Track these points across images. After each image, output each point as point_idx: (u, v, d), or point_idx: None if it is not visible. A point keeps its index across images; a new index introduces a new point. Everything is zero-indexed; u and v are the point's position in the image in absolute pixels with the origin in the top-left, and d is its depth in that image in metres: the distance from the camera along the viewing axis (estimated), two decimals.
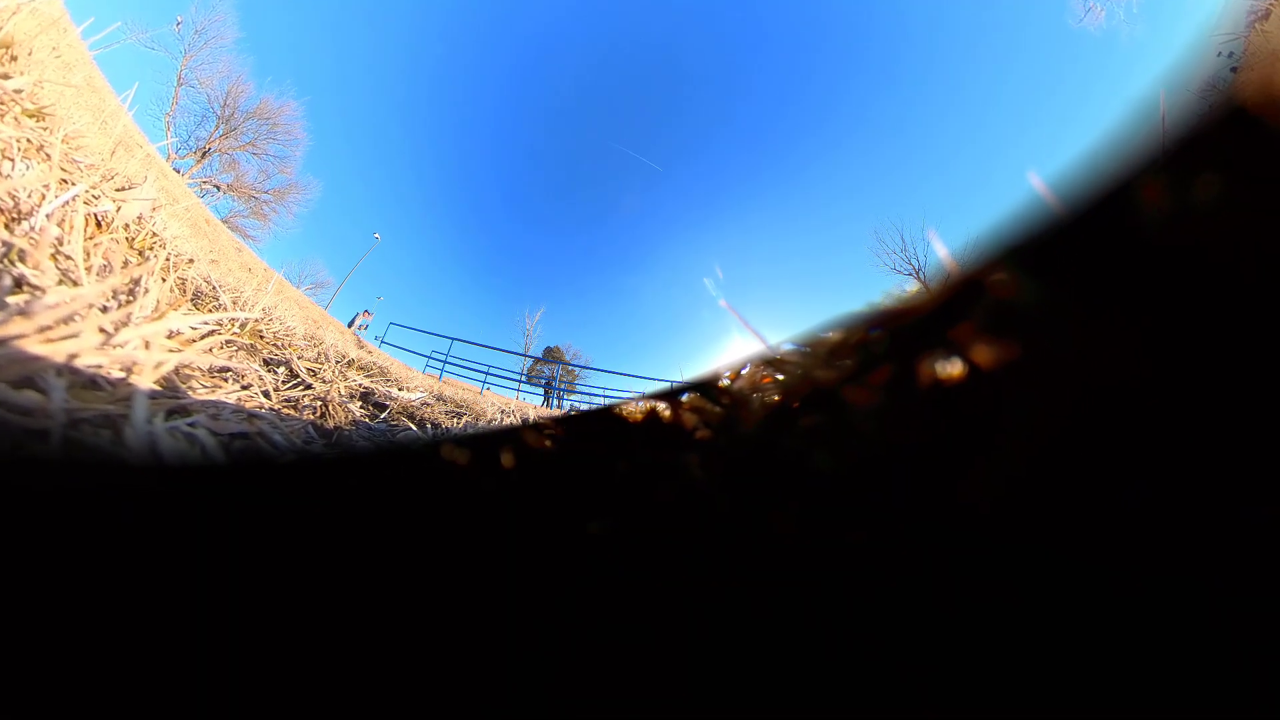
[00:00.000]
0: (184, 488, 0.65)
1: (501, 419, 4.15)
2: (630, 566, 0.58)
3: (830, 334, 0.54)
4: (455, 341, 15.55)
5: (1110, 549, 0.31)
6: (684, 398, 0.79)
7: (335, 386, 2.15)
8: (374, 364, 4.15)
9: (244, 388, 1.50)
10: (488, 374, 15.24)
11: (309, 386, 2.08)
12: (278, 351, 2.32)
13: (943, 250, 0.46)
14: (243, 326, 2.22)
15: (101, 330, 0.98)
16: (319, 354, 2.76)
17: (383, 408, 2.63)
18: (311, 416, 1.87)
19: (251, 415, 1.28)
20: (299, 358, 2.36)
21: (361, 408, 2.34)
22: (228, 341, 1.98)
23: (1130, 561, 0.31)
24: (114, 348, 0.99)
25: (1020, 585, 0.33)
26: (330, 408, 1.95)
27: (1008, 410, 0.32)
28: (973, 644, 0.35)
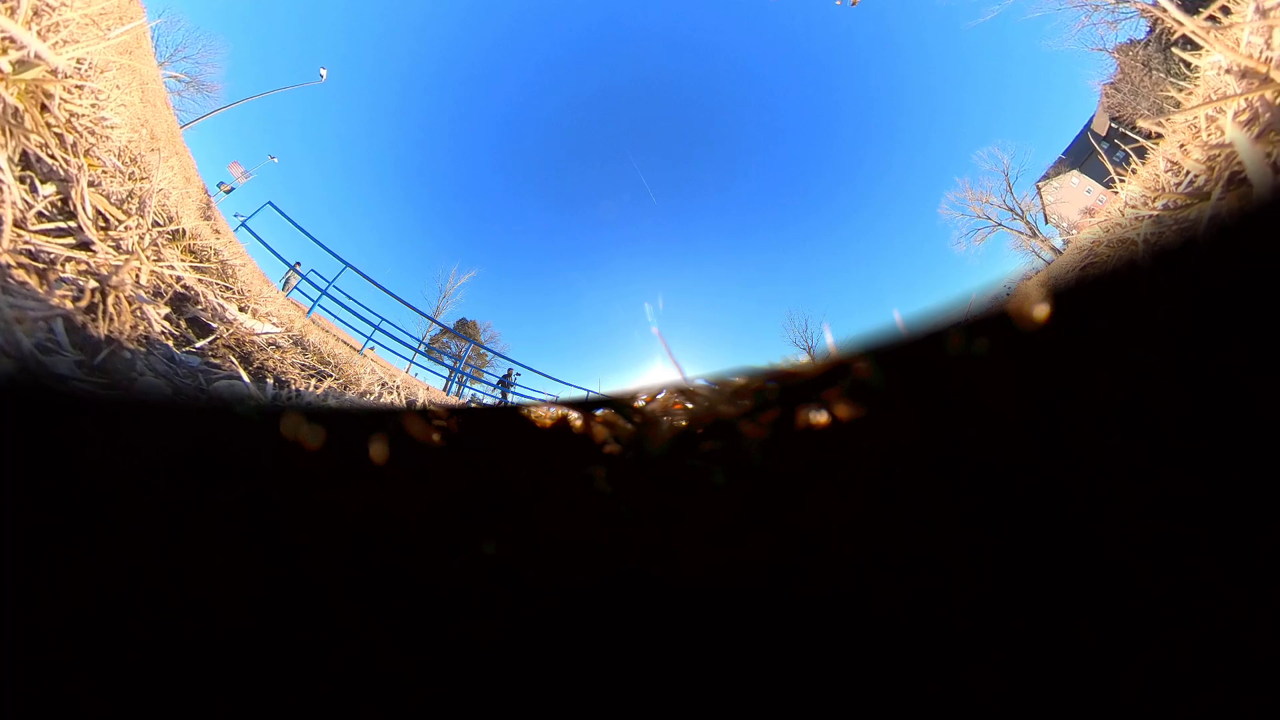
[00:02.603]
0: None
1: (381, 394, 3.22)
2: (528, 592, 0.50)
3: (736, 378, 0.66)
4: (347, 269, 11.34)
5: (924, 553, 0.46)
6: (599, 411, 0.80)
7: (135, 265, 1.22)
8: (214, 252, 2.67)
9: None
10: (377, 328, 11.09)
11: (89, 246, 1.13)
12: (60, 153, 1.18)
13: (829, 338, 0.62)
14: None
15: None
16: (132, 195, 1.56)
17: (205, 330, 1.67)
18: (73, 304, 1.02)
19: None
20: (93, 184, 1.29)
21: (169, 319, 1.41)
22: None
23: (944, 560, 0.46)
24: None
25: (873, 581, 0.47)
26: (113, 300, 1.07)
27: (854, 450, 0.46)
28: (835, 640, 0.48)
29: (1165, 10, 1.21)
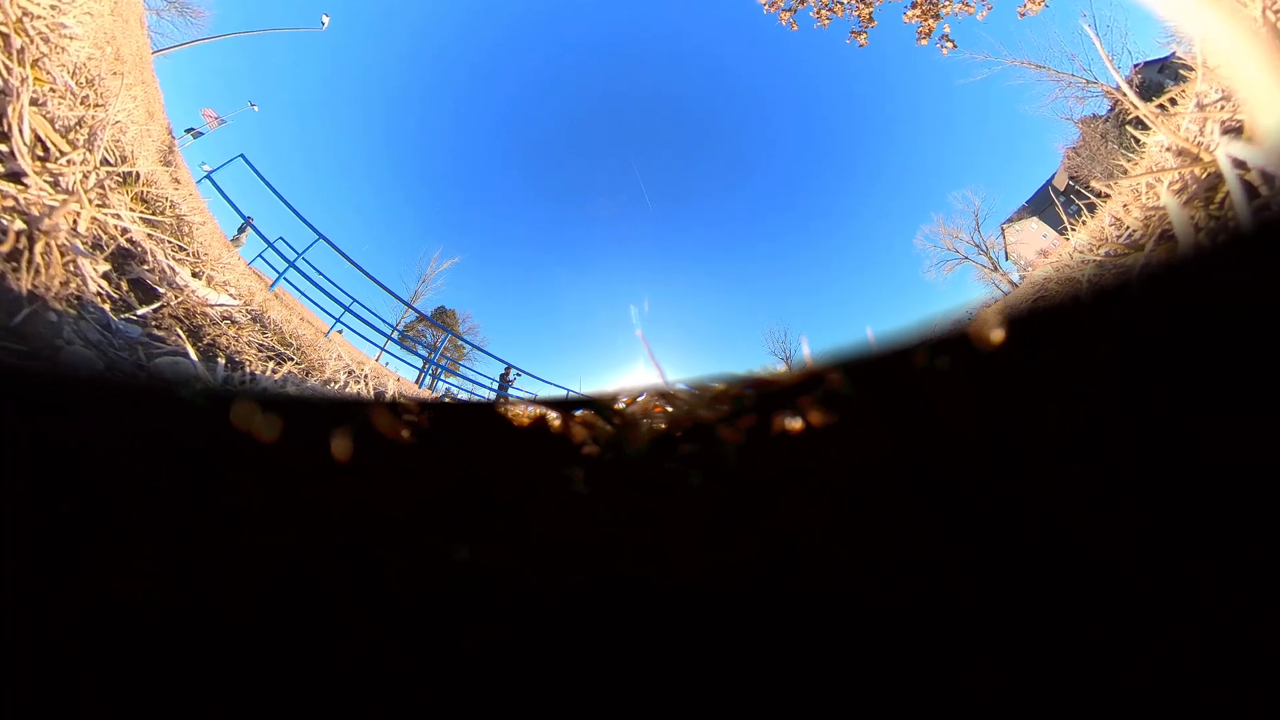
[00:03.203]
0: None
1: (347, 383, 2.87)
2: (505, 600, 0.46)
3: (716, 384, 0.69)
4: (320, 241, 10.01)
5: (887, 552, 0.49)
6: (578, 411, 0.78)
7: (75, 208, 0.98)
8: (170, 205, 2.28)
9: None
10: (347, 310, 9.96)
11: (20, 178, 0.90)
12: (2, 57, 0.96)
13: (806, 350, 0.66)
14: None
15: None
16: (82, 123, 1.26)
17: (150, 295, 1.42)
18: None
19: None
20: (36, 102, 1.01)
21: (108, 277, 1.16)
22: None
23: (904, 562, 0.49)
24: None
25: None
26: (42, 248, 0.87)
27: (826, 456, 0.49)
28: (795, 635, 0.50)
29: (1125, 95, 1.53)
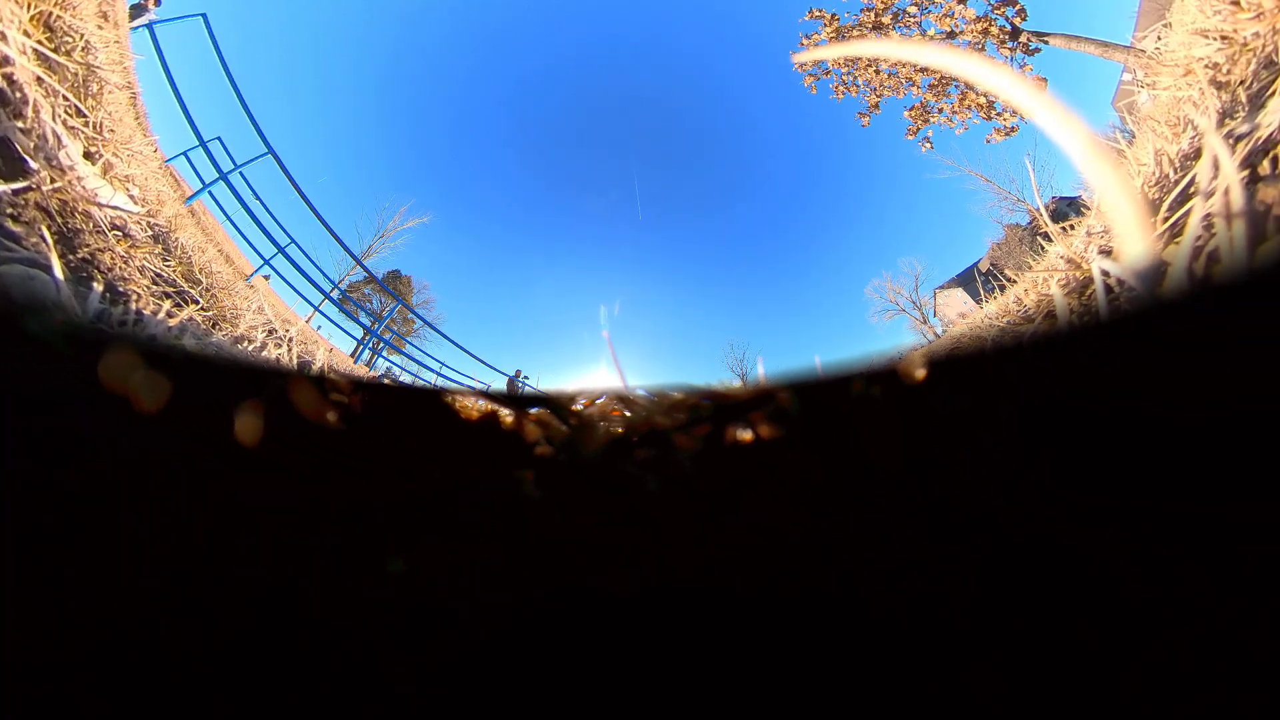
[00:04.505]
0: None
1: (265, 345, 2.32)
2: (450, 622, 0.38)
3: (675, 392, 0.74)
4: (269, 155, 7.71)
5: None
6: (534, 409, 0.74)
7: None
8: (82, 45, 1.68)
9: None
10: (282, 251, 7.68)
11: None
12: None
13: (761, 370, 0.73)
14: None
15: None
16: None
17: (13, 168, 1.04)
18: None
19: None
20: None
21: None
22: None
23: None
24: None
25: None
26: None
27: (772, 465, 0.55)
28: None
29: (1041, 216, 2.19)
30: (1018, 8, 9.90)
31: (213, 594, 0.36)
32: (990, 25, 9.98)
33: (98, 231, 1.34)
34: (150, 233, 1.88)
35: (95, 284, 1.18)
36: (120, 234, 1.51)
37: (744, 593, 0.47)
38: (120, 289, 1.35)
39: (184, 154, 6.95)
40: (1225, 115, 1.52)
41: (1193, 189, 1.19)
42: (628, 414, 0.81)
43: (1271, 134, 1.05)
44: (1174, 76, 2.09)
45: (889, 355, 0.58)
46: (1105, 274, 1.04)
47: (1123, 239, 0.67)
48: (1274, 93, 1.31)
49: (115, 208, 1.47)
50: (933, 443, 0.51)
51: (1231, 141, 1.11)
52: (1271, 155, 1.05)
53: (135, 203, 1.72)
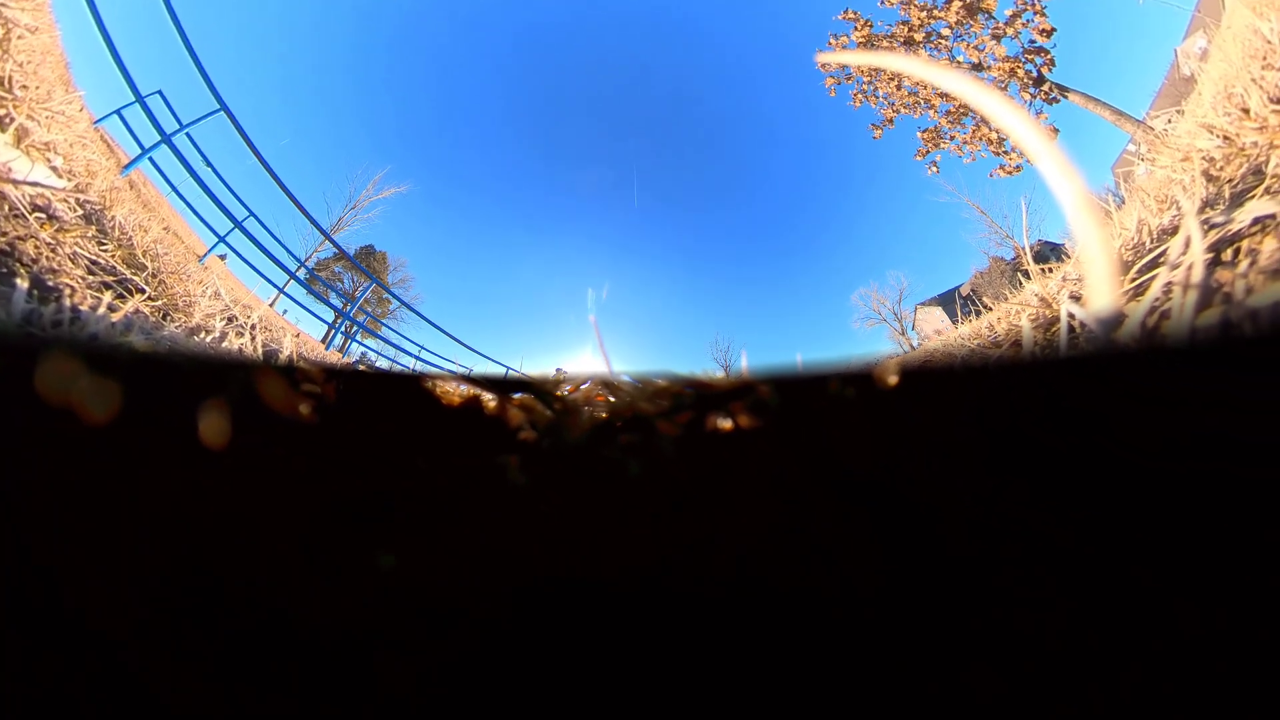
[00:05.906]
0: None
1: (226, 335, 2.06)
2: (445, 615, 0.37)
3: (659, 380, 0.76)
4: (221, 112, 6.33)
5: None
6: (517, 394, 0.72)
7: None
8: None
9: None
10: (239, 226, 6.58)
11: None
12: None
13: (744, 362, 0.75)
14: None
15: None
16: None
17: None
18: None
19: None
20: None
21: None
22: None
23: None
24: None
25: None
26: None
27: (749, 454, 0.57)
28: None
29: (1025, 254, 2.43)
30: (1047, 57, 10.17)
31: (192, 605, 0.33)
32: (1018, 67, 10.22)
33: (15, 216, 1.18)
34: (81, 212, 1.63)
35: (19, 280, 1.06)
36: (44, 216, 1.32)
37: (718, 578, 0.47)
38: (50, 283, 1.20)
39: (117, 112, 5.52)
40: (1207, 204, 1.66)
41: (1162, 260, 1.29)
42: (612, 399, 0.83)
43: (1241, 230, 1.15)
44: (1173, 159, 2.27)
45: (866, 360, 0.62)
46: (1071, 316, 1.16)
47: (1093, 289, 0.73)
48: (1254, 196, 1.45)
49: (35, 184, 1.27)
50: (899, 444, 0.55)
51: (1207, 228, 1.21)
52: (1236, 247, 1.16)
53: (59, 176, 1.45)
